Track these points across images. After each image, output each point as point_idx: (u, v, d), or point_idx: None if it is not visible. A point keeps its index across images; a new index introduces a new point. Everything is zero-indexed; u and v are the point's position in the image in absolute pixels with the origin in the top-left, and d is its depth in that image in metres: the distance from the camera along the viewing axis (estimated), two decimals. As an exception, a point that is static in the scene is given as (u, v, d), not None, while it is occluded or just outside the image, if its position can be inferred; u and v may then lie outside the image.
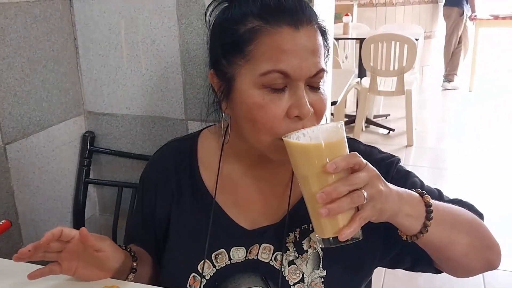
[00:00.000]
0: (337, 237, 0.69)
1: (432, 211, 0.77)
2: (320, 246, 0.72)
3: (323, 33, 0.84)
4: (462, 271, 0.87)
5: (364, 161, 0.71)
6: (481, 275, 2.34)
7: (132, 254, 0.96)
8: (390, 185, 0.74)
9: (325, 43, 0.84)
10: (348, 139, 0.93)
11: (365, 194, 0.68)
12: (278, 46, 0.77)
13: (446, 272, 0.90)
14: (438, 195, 0.90)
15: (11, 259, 0.81)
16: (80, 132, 1.52)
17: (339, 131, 0.71)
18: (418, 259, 0.89)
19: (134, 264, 0.95)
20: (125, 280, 0.93)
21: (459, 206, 0.87)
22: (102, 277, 0.88)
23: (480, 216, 0.88)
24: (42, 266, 0.86)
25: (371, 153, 0.92)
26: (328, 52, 0.86)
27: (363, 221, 0.69)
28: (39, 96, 1.34)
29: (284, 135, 0.74)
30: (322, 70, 0.80)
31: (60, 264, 0.86)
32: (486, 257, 0.85)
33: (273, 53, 0.77)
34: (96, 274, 0.88)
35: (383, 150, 0.96)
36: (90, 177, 1.54)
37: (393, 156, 0.94)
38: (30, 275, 0.83)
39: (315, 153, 0.69)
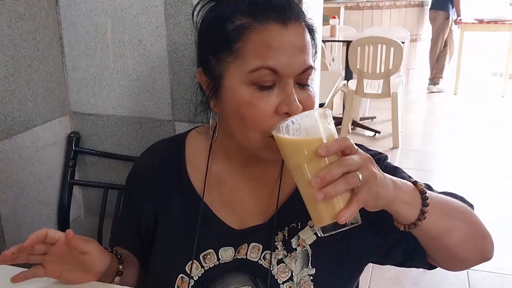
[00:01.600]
0: (336, 222, 0.68)
1: (427, 198, 0.76)
2: (320, 235, 0.71)
3: (311, 31, 0.84)
4: (458, 262, 0.87)
5: (356, 146, 0.71)
6: (466, 276, 2.36)
7: (118, 256, 0.95)
8: (384, 173, 0.74)
9: (313, 41, 0.84)
10: None
11: (360, 176, 0.67)
12: (267, 43, 0.77)
13: (440, 266, 0.89)
14: (428, 189, 0.90)
15: (-6, 261, 0.79)
16: (65, 132, 1.50)
17: (327, 118, 0.72)
18: (410, 253, 0.89)
19: (120, 267, 0.94)
20: (111, 283, 0.91)
21: (450, 196, 0.87)
22: (87, 280, 0.87)
23: (471, 206, 0.89)
24: (26, 269, 0.84)
25: None
26: (316, 50, 0.86)
27: (361, 203, 0.68)
28: (24, 96, 1.32)
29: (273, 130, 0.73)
30: (310, 67, 0.80)
31: (45, 267, 0.84)
32: (481, 246, 0.85)
33: (261, 49, 0.77)
34: (81, 277, 0.86)
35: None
36: (75, 178, 1.52)
37: (380, 153, 0.94)
38: (13, 278, 0.82)
39: (306, 142, 0.70)
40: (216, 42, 0.81)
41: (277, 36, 0.77)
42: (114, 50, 1.40)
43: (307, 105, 0.80)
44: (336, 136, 0.72)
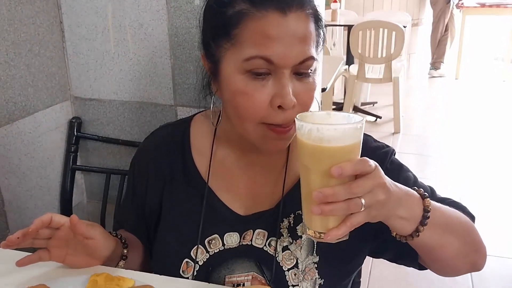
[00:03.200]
0: (323, 233, 0.67)
1: (428, 217, 0.74)
2: (304, 234, 0.70)
3: (317, 20, 0.80)
4: (448, 272, 0.87)
5: (373, 165, 0.66)
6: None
7: (123, 241, 0.94)
8: (392, 188, 0.69)
9: (318, 31, 0.80)
10: None
11: (363, 201, 0.64)
12: (263, 32, 0.74)
13: (431, 270, 0.89)
14: (431, 193, 0.89)
15: (-2, 246, 0.79)
16: (66, 118, 1.49)
17: (356, 133, 0.66)
18: (401, 253, 0.89)
19: (125, 251, 0.94)
20: (115, 267, 0.91)
21: (452, 206, 0.85)
22: (92, 264, 0.87)
23: (472, 218, 0.87)
24: (31, 253, 0.84)
25: (366, 141, 0.90)
26: (322, 39, 0.83)
27: (354, 226, 0.66)
28: (24, 81, 1.31)
29: (297, 118, 0.68)
30: (310, 58, 0.77)
31: (49, 251, 0.84)
32: (473, 260, 0.85)
33: (257, 38, 0.74)
34: (86, 261, 0.86)
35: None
36: (78, 164, 1.52)
37: (388, 146, 0.93)
38: (18, 263, 0.82)
39: (324, 153, 0.65)
40: (215, 27, 0.80)
41: (274, 24, 0.74)
42: (114, 34, 1.39)
43: (303, 98, 0.78)
44: (359, 154, 0.67)
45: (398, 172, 0.89)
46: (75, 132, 1.49)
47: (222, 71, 0.80)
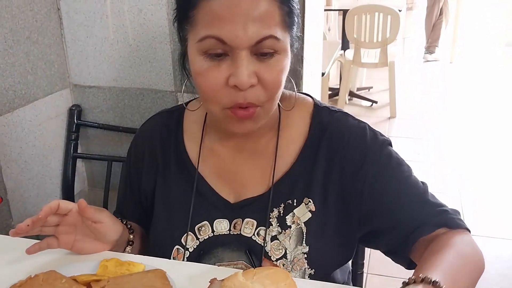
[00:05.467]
0: None
1: None
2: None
3: None
4: None
5: None
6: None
7: (129, 226, 0.95)
8: None
9: (285, 8, 0.76)
10: (339, 112, 0.90)
11: None
12: (214, 12, 0.72)
13: None
14: (423, 190, 0.86)
15: (2, 234, 0.79)
16: (66, 105, 1.48)
17: None
18: (391, 249, 0.88)
19: (131, 237, 0.94)
20: (123, 252, 0.91)
21: (444, 215, 0.82)
22: (100, 249, 0.87)
23: (463, 224, 0.83)
24: (40, 241, 0.84)
25: (362, 130, 0.88)
26: (293, 18, 0.78)
27: None
28: (24, 69, 1.30)
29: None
30: (269, 37, 0.73)
31: (58, 238, 0.84)
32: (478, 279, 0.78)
33: (209, 19, 0.73)
34: (95, 246, 0.86)
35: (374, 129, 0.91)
36: (78, 152, 1.51)
37: (383, 135, 0.90)
38: (28, 250, 0.82)
39: None
40: (179, 8, 0.80)
41: (225, 4, 0.72)
42: (113, 20, 1.37)
43: (267, 79, 0.76)
44: None
45: (393, 168, 0.86)
46: (75, 120, 1.48)
47: (187, 52, 0.80)
